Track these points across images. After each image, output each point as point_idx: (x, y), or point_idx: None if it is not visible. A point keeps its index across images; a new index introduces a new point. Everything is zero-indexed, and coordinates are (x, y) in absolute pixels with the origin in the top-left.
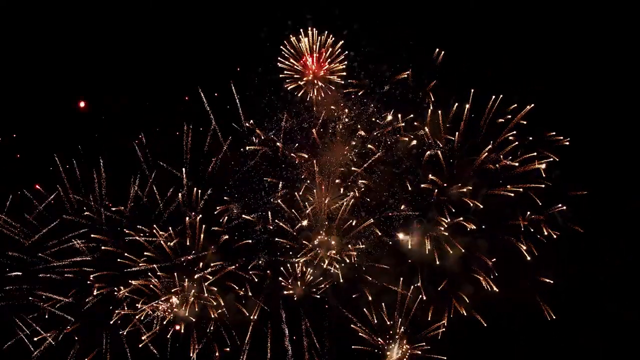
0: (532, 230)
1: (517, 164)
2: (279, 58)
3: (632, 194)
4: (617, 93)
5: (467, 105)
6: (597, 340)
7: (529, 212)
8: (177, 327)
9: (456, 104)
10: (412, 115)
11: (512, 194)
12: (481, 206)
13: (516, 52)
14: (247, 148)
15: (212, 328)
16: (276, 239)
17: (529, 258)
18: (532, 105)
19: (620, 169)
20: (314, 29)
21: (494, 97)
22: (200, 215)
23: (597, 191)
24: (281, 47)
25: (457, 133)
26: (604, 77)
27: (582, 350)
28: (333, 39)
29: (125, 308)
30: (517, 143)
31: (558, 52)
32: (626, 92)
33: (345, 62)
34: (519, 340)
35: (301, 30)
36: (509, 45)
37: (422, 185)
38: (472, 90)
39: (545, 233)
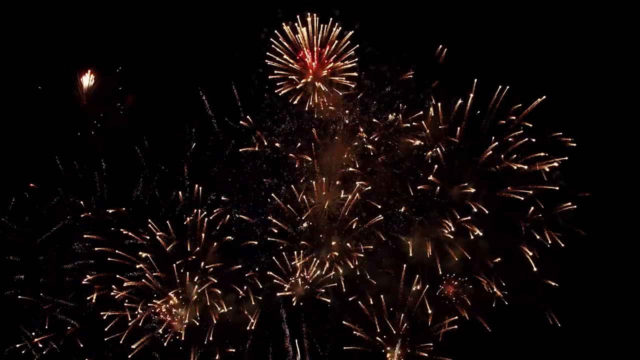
0: (533, 232)
1: (523, 166)
2: (267, 54)
3: (632, 195)
4: (617, 94)
5: (471, 95)
6: (597, 340)
7: (532, 208)
8: (178, 329)
9: (459, 101)
10: (413, 116)
11: (514, 196)
12: (486, 210)
13: (517, 52)
14: (247, 149)
15: (212, 331)
16: (276, 240)
17: (535, 269)
18: (544, 97)
19: (619, 169)
20: (315, 15)
21: (500, 87)
22: (203, 214)
23: (597, 192)
24: (271, 39)
25: (458, 128)
26: (603, 79)
27: (583, 350)
28: (340, 28)
29: (126, 310)
30: (523, 141)
31: (560, 52)
32: (626, 93)
33: (356, 59)
34: (519, 340)
35: (298, 17)
36: (509, 45)
37: (423, 187)
38: (476, 80)
39: (548, 238)
